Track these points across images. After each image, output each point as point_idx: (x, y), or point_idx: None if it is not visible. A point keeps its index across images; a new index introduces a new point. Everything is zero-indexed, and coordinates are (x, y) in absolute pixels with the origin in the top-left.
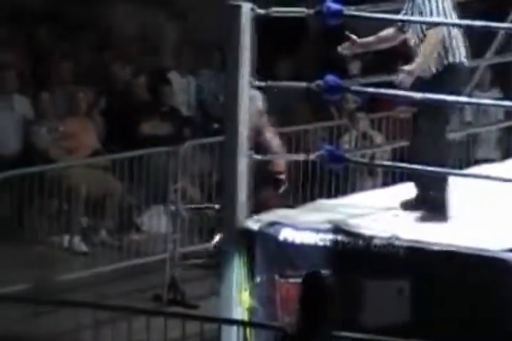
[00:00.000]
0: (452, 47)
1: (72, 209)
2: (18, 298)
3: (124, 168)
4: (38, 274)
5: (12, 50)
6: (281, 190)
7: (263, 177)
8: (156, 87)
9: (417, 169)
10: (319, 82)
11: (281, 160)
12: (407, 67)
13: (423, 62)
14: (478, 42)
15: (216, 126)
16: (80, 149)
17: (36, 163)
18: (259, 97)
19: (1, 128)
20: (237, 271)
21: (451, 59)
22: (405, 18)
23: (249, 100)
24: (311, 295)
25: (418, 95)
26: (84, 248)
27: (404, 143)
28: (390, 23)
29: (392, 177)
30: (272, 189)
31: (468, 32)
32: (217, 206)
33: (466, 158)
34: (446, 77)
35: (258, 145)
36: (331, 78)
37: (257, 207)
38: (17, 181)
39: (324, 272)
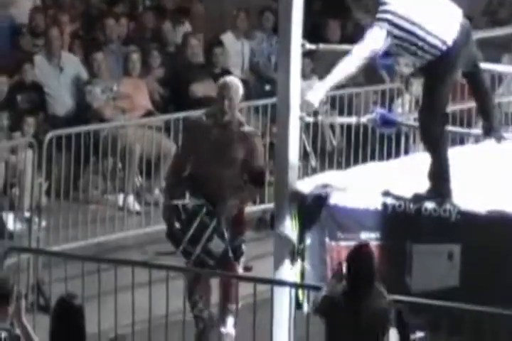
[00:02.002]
0: None
1: (127, 169)
2: (77, 255)
3: (177, 128)
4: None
5: (66, 10)
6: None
7: (249, 174)
8: (210, 49)
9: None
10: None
11: (263, 156)
12: None
13: None
14: None
15: (268, 87)
16: (133, 109)
17: (91, 123)
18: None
19: (54, 88)
20: (289, 233)
21: None
22: None
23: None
24: (355, 265)
25: None
26: (138, 207)
27: (458, 107)
28: None
29: None
30: (256, 188)
31: None
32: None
33: None
34: None
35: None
36: None
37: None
38: (72, 140)
39: (370, 239)
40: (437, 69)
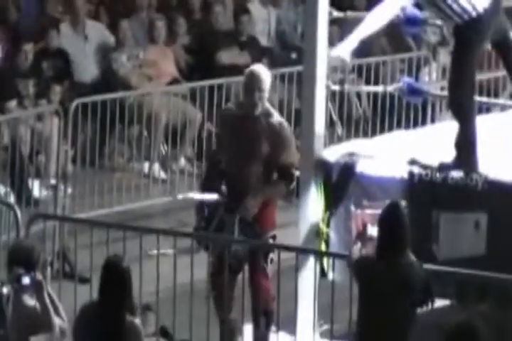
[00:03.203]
0: None
1: (152, 137)
2: (102, 222)
3: (203, 96)
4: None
5: None
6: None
7: (277, 170)
8: (236, 16)
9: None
10: (398, 13)
11: (293, 150)
12: None
13: None
14: None
15: (294, 55)
16: (159, 77)
17: (116, 90)
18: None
19: (80, 56)
20: (315, 201)
21: None
22: None
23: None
24: (389, 224)
25: None
26: (163, 175)
27: (485, 76)
28: None
29: None
30: (284, 184)
31: None
32: None
33: None
34: None
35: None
36: (409, 10)
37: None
38: (98, 107)
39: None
40: (466, 36)
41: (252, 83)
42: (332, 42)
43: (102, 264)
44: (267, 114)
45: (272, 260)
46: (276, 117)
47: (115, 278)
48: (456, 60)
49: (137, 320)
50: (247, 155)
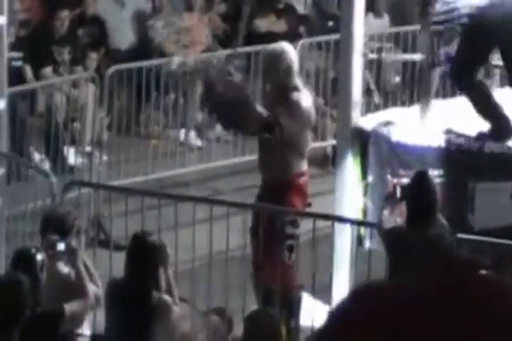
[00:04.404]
0: None
1: (188, 104)
2: (137, 190)
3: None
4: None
5: None
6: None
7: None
8: None
9: None
10: None
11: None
12: None
13: None
14: None
15: (331, 23)
16: (195, 44)
17: (152, 57)
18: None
19: (116, 23)
20: (351, 169)
21: None
22: None
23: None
24: (417, 193)
25: None
26: (199, 142)
27: None
28: None
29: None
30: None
31: None
32: None
33: None
34: None
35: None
36: None
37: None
38: (133, 74)
39: (434, 172)
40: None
41: (278, 63)
42: (378, 13)
43: (130, 238)
44: (295, 88)
45: (291, 247)
46: (297, 93)
47: (141, 254)
48: None
49: (166, 297)
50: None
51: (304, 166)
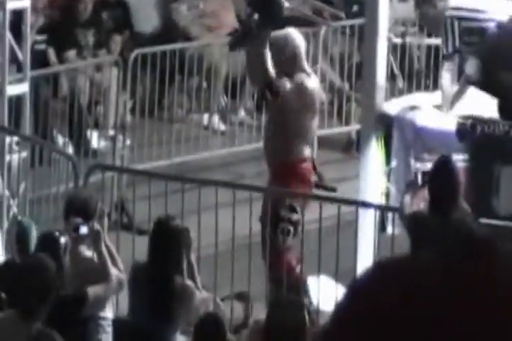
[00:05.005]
0: None
1: (212, 88)
2: (160, 174)
3: None
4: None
5: None
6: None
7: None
8: None
9: None
10: None
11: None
12: None
13: None
14: None
15: (356, 8)
16: (220, 27)
17: (176, 41)
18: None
19: (140, 6)
20: (375, 154)
21: None
22: None
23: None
24: (440, 178)
25: None
26: (222, 127)
27: None
28: None
29: None
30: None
31: None
32: None
33: None
34: None
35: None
36: None
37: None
38: (157, 58)
39: (458, 161)
40: None
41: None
42: None
43: (153, 222)
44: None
45: (287, 231)
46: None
47: (165, 238)
48: None
49: (189, 282)
50: None
51: (307, 152)
